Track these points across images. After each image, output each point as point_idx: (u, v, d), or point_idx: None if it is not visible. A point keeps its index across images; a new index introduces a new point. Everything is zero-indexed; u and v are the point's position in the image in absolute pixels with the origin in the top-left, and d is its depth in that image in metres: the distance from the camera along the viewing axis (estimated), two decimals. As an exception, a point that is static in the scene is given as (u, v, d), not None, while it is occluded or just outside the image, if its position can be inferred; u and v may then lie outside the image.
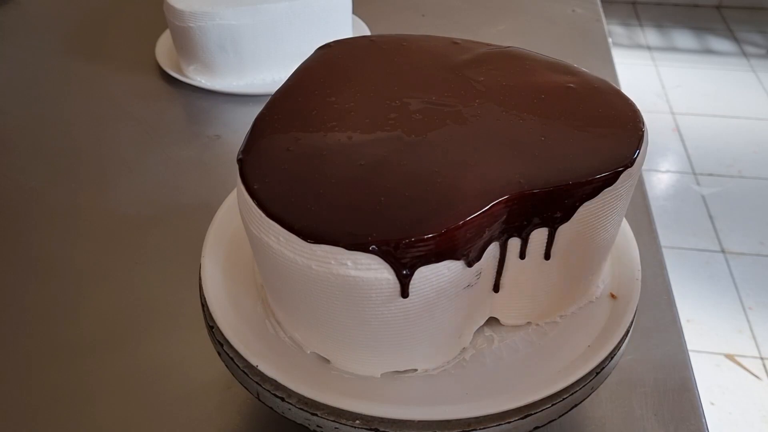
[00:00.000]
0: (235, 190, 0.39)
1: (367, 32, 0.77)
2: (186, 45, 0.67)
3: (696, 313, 1.32)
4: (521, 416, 0.31)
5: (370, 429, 0.31)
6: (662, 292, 0.48)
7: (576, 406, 0.33)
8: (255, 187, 0.30)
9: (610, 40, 0.80)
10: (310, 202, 0.29)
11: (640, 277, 0.37)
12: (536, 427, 0.32)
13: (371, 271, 0.28)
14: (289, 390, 0.32)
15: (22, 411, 0.41)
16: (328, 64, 0.38)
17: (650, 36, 2.29)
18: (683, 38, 2.28)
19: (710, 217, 1.55)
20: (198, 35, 0.65)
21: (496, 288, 0.34)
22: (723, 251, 1.46)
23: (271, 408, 0.33)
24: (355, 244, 0.28)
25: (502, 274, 0.33)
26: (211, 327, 0.35)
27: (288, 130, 0.33)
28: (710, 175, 1.67)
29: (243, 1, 0.64)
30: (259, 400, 0.33)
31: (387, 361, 0.33)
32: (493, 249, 0.31)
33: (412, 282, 0.28)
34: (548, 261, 0.33)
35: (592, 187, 0.31)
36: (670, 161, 1.73)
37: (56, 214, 0.56)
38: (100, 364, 0.43)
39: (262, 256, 0.31)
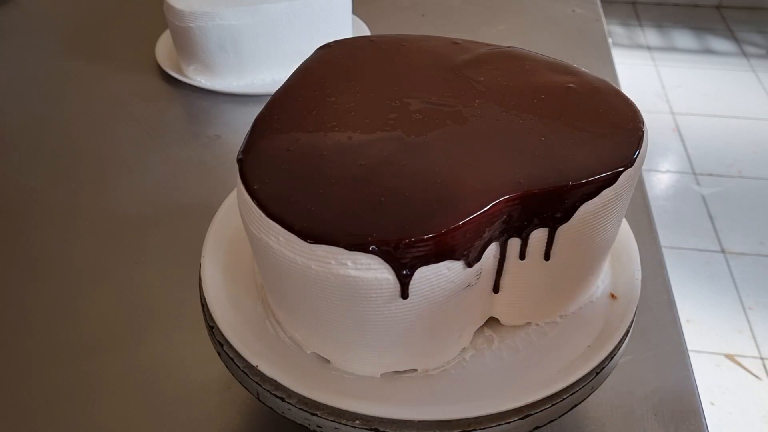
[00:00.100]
0: (235, 190, 0.39)
1: (367, 32, 0.77)
2: (186, 45, 0.67)
3: (696, 313, 1.32)
4: (521, 416, 0.31)
5: (370, 429, 0.31)
6: (662, 292, 0.48)
7: (576, 406, 0.33)
8: (255, 187, 0.30)
9: (610, 40, 0.80)
10: (310, 202, 0.29)
11: (640, 277, 0.37)
12: (536, 427, 0.32)
13: (371, 271, 0.28)
14: (289, 390, 0.32)
15: (22, 411, 0.41)
16: (328, 64, 0.38)
17: (650, 36, 2.29)
18: (683, 38, 2.28)
19: (710, 217, 1.55)
20: (198, 35, 0.65)
21: (495, 289, 0.34)
22: (723, 251, 1.46)
23: (271, 408, 0.33)
24: (355, 244, 0.28)
25: (502, 275, 0.33)
26: (211, 327, 0.35)
27: (288, 130, 0.33)
28: (710, 175, 1.67)
29: (243, 1, 0.64)
30: (259, 400, 0.33)
31: (387, 361, 0.33)
32: (493, 249, 0.31)
33: (412, 282, 0.28)
34: (548, 261, 0.33)
35: (592, 188, 0.31)
36: (670, 161, 1.73)
37: (56, 214, 0.56)
38: (100, 364, 0.43)
39: (262, 256, 0.31)
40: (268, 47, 0.67)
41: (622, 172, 0.31)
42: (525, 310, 0.35)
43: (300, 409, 0.32)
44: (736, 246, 1.47)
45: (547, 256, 0.32)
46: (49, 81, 0.73)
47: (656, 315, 0.46)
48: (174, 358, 0.44)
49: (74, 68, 0.75)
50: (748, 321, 1.31)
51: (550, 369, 0.33)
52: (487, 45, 0.40)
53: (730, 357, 1.24)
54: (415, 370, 0.33)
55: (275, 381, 0.32)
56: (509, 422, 0.31)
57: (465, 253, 0.29)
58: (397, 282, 0.28)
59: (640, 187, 0.56)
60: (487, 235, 0.30)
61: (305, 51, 0.41)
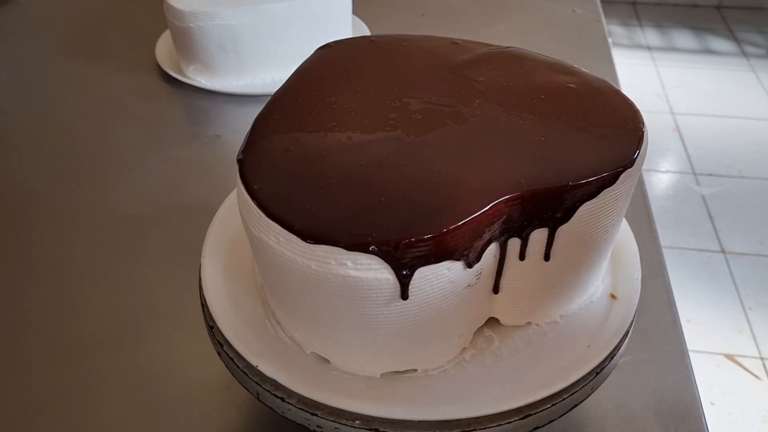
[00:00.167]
0: (235, 190, 0.39)
1: (367, 32, 0.77)
2: (186, 45, 0.67)
3: (696, 313, 1.32)
4: (521, 416, 0.31)
5: (370, 429, 0.31)
6: (662, 292, 0.48)
7: (576, 406, 0.33)
8: (255, 187, 0.30)
9: (610, 40, 0.80)
10: (310, 202, 0.29)
11: (640, 277, 0.37)
12: (536, 427, 0.32)
13: (371, 271, 0.28)
14: (289, 390, 0.32)
15: (22, 411, 0.41)
16: (328, 64, 0.38)
17: (650, 36, 2.29)
18: (683, 38, 2.28)
19: (710, 217, 1.55)
20: (198, 35, 0.65)
21: (495, 289, 0.34)
22: (723, 251, 1.46)
23: (271, 408, 0.33)
24: (355, 244, 0.28)
25: (502, 275, 0.33)
26: (211, 327, 0.35)
27: (288, 130, 0.33)
28: (710, 175, 1.67)
29: (243, 1, 0.64)
30: (259, 400, 0.33)
31: (387, 361, 0.33)
32: (492, 249, 0.31)
33: (412, 282, 0.28)
34: (548, 262, 0.33)
35: (592, 188, 0.31)
36: (670, 161, 1.73)
37: (56, 214, 0.56)
38: (100, 364, 0.43)
39: (262, 256, 0.31)
40: (268, 47, 0.67)
41: (622, 172, 0.31)
42: (525, 310, 0.35)
43: (300, 409, 0.32)
44: (736, 246, 1.47)
45: (546, 257, 0.32)
46: (49, 81, 0.73)
47: (656, 315, 0.46)
48: (174, 358, 0.44)
49: (74, 68, 0.75)
50: (748, 321, 1.31)
51: (550, 369, 0.33)
52: (487, 45, 0.40)
53: (730, 357, 1.24)
54: (415, 370, 0.33)
55: (275, 381, 0.32)
56: (509, 422, 0.31)
57: (465, 253, 0.29)
58: (397, 282, 0.28)
59: (640, 187, 0.56)
60: (487, 235, 0.30)
61: (305, 51, 0.41)
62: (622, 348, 0.35)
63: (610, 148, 0.32)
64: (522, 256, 0.32)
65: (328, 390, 0.32)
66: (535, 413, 0.31)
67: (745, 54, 2.18)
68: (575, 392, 0.32)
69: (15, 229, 0.55)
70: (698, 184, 1.64)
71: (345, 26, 0.71)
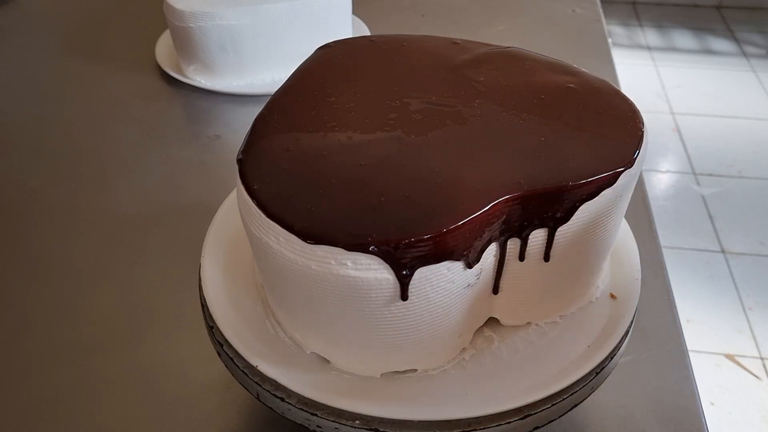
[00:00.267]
0: (235, 190, 0.39)
1: (367, 32, 0.77)
2: (186, 45, 0.67)
3: (696, 313, 1.32)
4: (521, 416, 0.31)
5: (370, 429, 0.31)
6: (662, 292, 0.48)
7: (576, 406, 0.33)
8: (255, 187, 0.30)
9: (610, 40, 0.80)
10: (309, 203, 0.29)
11: (640, 277, 0.37)
12: (536, 427, 0.32)
13: (371, 271, 0.28)
14: (289, 390, 0.32)
15: (22, 411, 0.41)
16: (328, 65, 0.38)
17: (650, 36, 2.29)
18: (683, 38, 2.28)
19: (710, 217, 1.55)
20: (198, 35, 0.65)
21: (495, 289, 0.34)
22: (723, 251, 1.46)
23: (271, 408, 0.33)
24: (355, 244, 0.28)
25: (502, 275, 0.33)
26: (211, 327, 0.35)
27: (288, 130, 0.33)
28: (710, 175, 1.67)
29: (243, 1, 0.64)
30: (259, 400, 0.33)
31: (387, 361, 0.33)
32: (492, 249, 0.31)
33: (411, 282, 0.28)
34: (548, 262, 0.33)
35: (592, 188, 0.31)
36: (670, 161, 1.73)
37: (56, 214, 0.56)
38: (100, 364, 0.43)
39: (262, 256, 0.31)
40: (268, 47, 0.67)
41: (622, 172, 0.31)
42: (525, 310, 0.35)
43: (300, 409, 0.32)
44: (736, 246, 1.47)
45: (546, 257, 0.32)
46: (49, 81, 0.73)
47: (656, 315, 0.46)
48: (174, 358, 0.44)
49: (74, 68, 0.75)
50: (748, 321, 1.31)
51: (550, 369, 0.33)
52: (487, 45, 0.40)
53: (730, 357, 1.24)
54: (415, 370, 0.33)
55: (275, 381, 0.32)
56: (509, 422, 0.31)
57: (465, 253, 0.29)
58: (396, 282, 0.28)
59: (640, 187, 0.56)
60: (486, 235, 0.30)
61: (305, 51, 0.41)
62: (622, 348, 0.35)
63: (610, 148, 0.32)
64: (522, 257, 0.32)
65: (328, 390, 0.32)
66: (535, 413, 0.31)
67: (745, 54, 2.18)
68: (575, 392, 0.32)
69: (15, 229, 0.55)
70: (698, 184, 1.64)
71: (345, 26, 0.71)
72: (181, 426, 0.40)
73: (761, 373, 1.22)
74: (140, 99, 0.69)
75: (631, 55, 2.18)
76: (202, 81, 0.69)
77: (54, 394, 0.42)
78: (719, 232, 1.51)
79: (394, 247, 0.27)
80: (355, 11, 0.76)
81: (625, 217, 0.37)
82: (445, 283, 0.29)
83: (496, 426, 0.31)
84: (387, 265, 0.28)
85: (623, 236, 0.39)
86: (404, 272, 0.28)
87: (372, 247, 0.27)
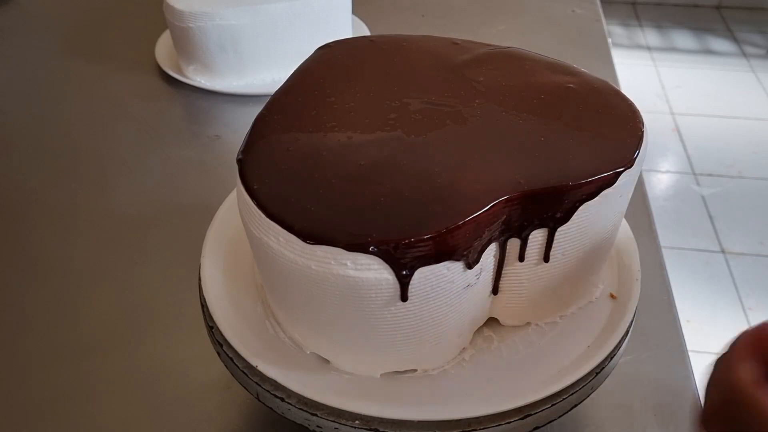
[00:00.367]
0: (235, 190, 0.39)
1: (367, 32, 0.77)
2: (186, 45, 0.67)
3: (696, 313, 1.32)
4: (521, 416, 0.31)
5: (370, 429, 0.31)
6: (662, 292, 0.48)
7: (576, 406, 0.33)
8: (255, 187, 0.30)
9: (609, 40, 0.80)
10: (309, 203, 0.29)
11: (640, 277, 0.37)
12: (536, 428, 0.32)
13: (371, 271, 0.28)
14: (289, 390, 0.32)
15: (22, 411, 0.41)
16: (328, 64, 0.38)
17: (650, 36, 2.29)
18: (683, 38, 2.28)
19: (710, 217, 1.55)
20: (198, 35, 0.65)
21: (495, 290, 0.34)
22: (723, 251, 1.46)
23: (270, 408, 0.33)
24: (355, 244, 0.28)
25: (502, 276, 0.33)
26: (211, 327, 0.35)
27: (288, 130, 0.33)
28: (710, 175, 1.67)
29: (243, 1, 0.64)
30: (259, 400, 0.33)
31: (387, 361, 0.33)
32: (492, 249, 0.31)
33: (411, 282, 0.28)
34: (548, 263, 0.33)
35: (592, 188, 0.31)
36: (670, 161, 1.73)
37: (56, 214, 0.56)
38: (100, 364, 0.43)
39: (262, 256, 0.31)
40: (268, 47, 0.67)
41: (621, 172, 0.31)
42: (525, 310, 0.35)
43: (300, 409, 0.32)
44: (736, 246, 1.47)
45: (546, 258, 0.32)
46: (49, 81, 0.73)
47: (656, 315, 0.46)
48: (174, 358, 0.44)
49: (74, 68, 0.75)
50: (748, 321, 1.31)
51: (550, 369, 0.33)
52: (487, 45, 0.40)
53: (730, 357, 1.24)
54: (415, 370, 0.33)
55: (275, 381, 0.32)
56: (509, 422, 0.31)
57: (465, 253, 0.29)
58: (396, 282, 0.28)
59: (640, 187, 0.56)
60: (486, 235, 0.30)
61: (305, 51, 0.41)
62: (622, 348, 0.35)
63: (610, 148, 0.32)
64: (521, 257, 0.32)
65: (328, 390, 0.32)
66: (535, 413, 0.31)
67: (744, 54, 2.18)
68: (575, 392, 0.32)
69: (15, 229, 0.55)
70: (698, 184, 1.64)
71: (345, 26, 0.71)
72: (181, 426, 0.40)
73: (761, 373, 1.22)
74: (140, 99, 0.69)
75: (631, 55, 2.18)
76: (202, 81, 0.69)
77: (54, 394, 0.42)
78: (719, 232, 1.51)
79: (394, 247, 0.27)
80: (355, 11, 0.76)
81: (625, 217, 0.37)
82: (445, 283, 0.29)
83: (496, 426, 0.31)
84: (387, 266, 0.28)
85: (623, 236, 0.39)
86: (404, 272, 0.28)
87: (372, 247, 0.27)
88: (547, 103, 0.35)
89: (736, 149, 1.75)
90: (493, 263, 0.32)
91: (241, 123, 0.66)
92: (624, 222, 0.39)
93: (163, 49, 0.74)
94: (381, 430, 0.31)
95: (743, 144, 1.77)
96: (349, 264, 0.28)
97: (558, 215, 0.31)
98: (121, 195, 0.57)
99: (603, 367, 0.33)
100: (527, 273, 0.33)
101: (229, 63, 0.67)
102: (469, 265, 0.30)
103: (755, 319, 1.30)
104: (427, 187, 0.30)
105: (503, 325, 0.36)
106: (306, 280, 0.29)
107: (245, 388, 0.34)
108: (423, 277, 0.28)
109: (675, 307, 0.47)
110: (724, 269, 1.42)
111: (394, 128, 0.33)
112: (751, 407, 0.27)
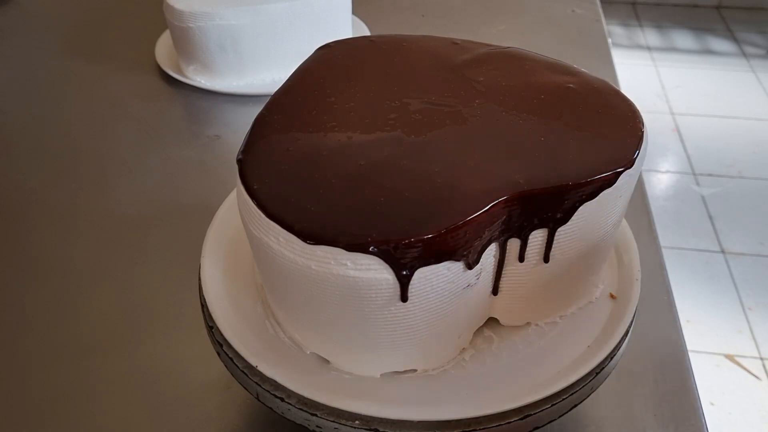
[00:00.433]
0: (235, 190, 0.39)
1: (367, 32, 0.77)
2: (186, 45, 0.67)
3: (696, 313, 1.32)
4: (521, 416, 0.31)
5: (370, 429, 0.31)
6: (662, 292, 0.48)
7: (576, 406, 0.33)
8: (255, 187, 0.30)
9: (609, 40, 0.80)
10: (309, 203, 0.29)
11: (639, 277, 0.37)
12: (536, 428, 0.32)
13: (371, 271, 0.28)
14: (289, 390, 0.32)
15: (22, 411, 0.41)
16: (328, 65, 0.38)
17: (650, 36, 2.29)
18: (683, 38, 2.28)
19: (710, 217, 1.55)
20: (198, 35, 0.65)
21: (495, 290, 0.34)
22: (723, 251, 1.46)
23: (270, 408, 0.33)
24: (355, 244, 0.28)
25: (502, 276, 0.33)
26: (211, 327, 0.35)
27: (288, 130, 0.33)
28: (710, 175, 1.67)
29: (243, 1, 0.64)
30: (259, 400, 0.33)
31: (387, 361, 0.33)
32: (492, 249, 0.31)
33: (411, 282, 0.28)
34: (548, 263, 0.33)
35: (592, 188, 0.31)
36: (670, 161, 1.73)
37: (56, 214, 0.56)
38: (100, 364, 0.43)
39: (262, 256, 0.31)
40: (268, 47, 0.67)
41: (621, 172, 0.31)
42: (525, 310, 0.35)
43: (300, 409, 0.32)
44: (736, 246, 1.47)
45: (546, 258, 0.32)
46: (49, 81, 0.73)
47: (656, 315, 0.46)
48: (174, 358, 0.44)
49: (74, 68, 0.75)
50: (748, 321, 1.31)
51: (550, 369, 0.33)
52: (487, 45, 0.40)
53: (729, 357, 1.24)
54: (415, 370, 0.33)
55: (275, 381, 0.32)
56: (509, 422, 0.31)
57: (464, 253, 0.29)
58: (396, 282, 0.28)
59: (640, 187, 0.56)
60: (486, 235, 0.30)
61: (305, 51, 0.41)
62: (622, 348, 0.35)
63: (610, 149, 0.32)
64: (521, 258, 0.32)
65: (328, 390, 0.32)
66: (535, 413, 0.31)
67: (744, 54, 2.18)
68: (575, 392, 0.32)
69: (15, 229, 0.55)
70: (698, 184, 1.64)
71: (345, 26, 0.71)
72: (181, 426, 0.40)
73: (761, 373, 1.22)
74: (140, 99, 0.69)
75: (631, 55, 2.19)
76: (202, 81, 0.69)
77: (54, 394, 0.42)
78: (719, 232, 1.51)
79: (394, 248, 0.27)
80: (355, 11, 0.76)
81: (625, 217, 0.37)
82: (445, 283, 0.29)
83: (496, 426, 0.31)
84: (387, 266, 0.28)
85: (623, 236, 0.39)
86: (404, 272, 0.28)
87: (372, 247, 0.27)
88: (547, 103, 0.35)
89: (736, 149, 1.75)
90: (493, 263, 0.32)
91: (241, 123, 0.66)
92: (624, 222, 0.39)
93: (163, 49, 0.74)
94: (381, 430, 0.31)
95: (743, 144, 1.78)
96: (349, 264, 0.28)
97: (558, 215, 0.31)
98: (121, 195, 0.57)
99: (603, 367, 0.33)
100: (527, 273, 0.33)
101: (229, 63, 0.67)
102: (469, 266, 0.30)
103: (755, 320, 1.30)
104: (427, 187, 0.30)
105: (503, 325, 0.36)
106: (306, 280, 0.29)
107: (245, 388, 0.34)
108: (423, 277, 0.28)
109: (675, 307, 0.47)
110: (723, 269, 1.42)
111: (394, 128, 0.33)
112: None
